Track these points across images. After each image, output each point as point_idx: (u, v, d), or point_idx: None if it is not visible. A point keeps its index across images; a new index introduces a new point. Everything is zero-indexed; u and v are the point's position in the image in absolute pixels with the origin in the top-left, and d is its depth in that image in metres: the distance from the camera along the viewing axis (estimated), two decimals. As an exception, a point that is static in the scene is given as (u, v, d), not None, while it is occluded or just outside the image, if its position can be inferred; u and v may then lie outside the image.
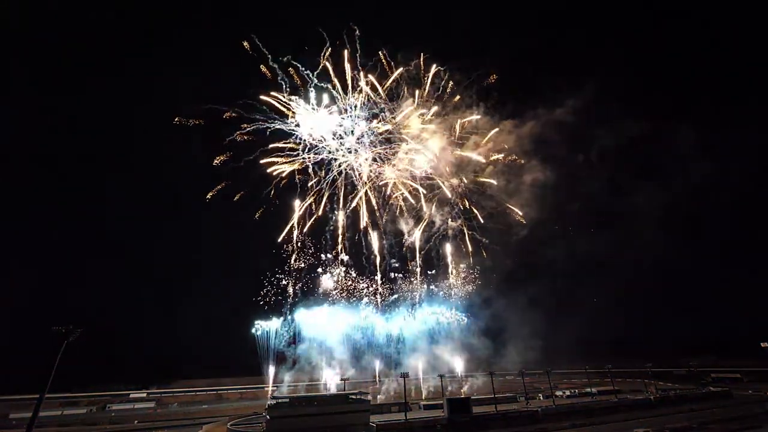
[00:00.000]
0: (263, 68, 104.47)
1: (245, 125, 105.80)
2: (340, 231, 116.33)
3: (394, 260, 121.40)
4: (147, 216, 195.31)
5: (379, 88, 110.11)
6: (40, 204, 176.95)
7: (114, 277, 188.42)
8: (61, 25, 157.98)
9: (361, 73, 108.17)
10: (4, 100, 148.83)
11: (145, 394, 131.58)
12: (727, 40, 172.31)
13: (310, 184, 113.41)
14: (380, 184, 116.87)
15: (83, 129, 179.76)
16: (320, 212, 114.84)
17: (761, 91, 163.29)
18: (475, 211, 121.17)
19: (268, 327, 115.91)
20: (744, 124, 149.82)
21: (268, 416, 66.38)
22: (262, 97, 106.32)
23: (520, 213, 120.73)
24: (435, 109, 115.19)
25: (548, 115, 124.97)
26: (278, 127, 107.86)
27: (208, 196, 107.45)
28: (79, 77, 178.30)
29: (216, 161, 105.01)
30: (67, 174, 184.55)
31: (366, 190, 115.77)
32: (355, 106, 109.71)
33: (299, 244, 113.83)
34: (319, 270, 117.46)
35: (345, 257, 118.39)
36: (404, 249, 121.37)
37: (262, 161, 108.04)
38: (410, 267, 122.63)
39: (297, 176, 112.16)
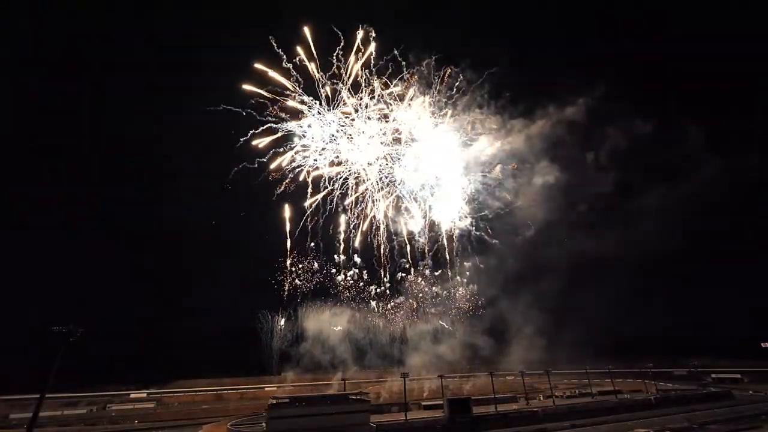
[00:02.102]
0: (275, 71, 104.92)
1: (257, 126, 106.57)
2: (349, 232, 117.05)
3: (404, 259, 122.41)
4: (147, 216, 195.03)
5: (392, 88, 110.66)
6: (39, 202, 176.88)
7: (114, 277, 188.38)
8: (68, 22, 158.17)
9: (373, 74, 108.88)
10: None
11: (145, 394, 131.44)
12: (736, 35, 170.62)
13: (322, 184, 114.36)
14: (390, 184, 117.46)
15: (83, 128, 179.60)
16: (331, 213, 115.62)
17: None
18: (483, 210, 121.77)
19: (271, 326, 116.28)
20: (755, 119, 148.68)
21: (268, 416, 66.39)
22: (275, 98, 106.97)
23: (530, 223, 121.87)
24: (446, 108, 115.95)
25: (558, 113, 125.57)
26: (290, 128, 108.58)
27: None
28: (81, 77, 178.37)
29: (226, 185, 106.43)
30: (66, 173, 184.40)
31: (376, 191, 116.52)
32: (367, 106, 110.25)
33: (312, 244, 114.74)
34: (333, 270, 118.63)
35: (356, 259, 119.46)
36: (414, 249, 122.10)
37: (271, 166, 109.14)
38: (420, 267, 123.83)
39: (308, 177, 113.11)
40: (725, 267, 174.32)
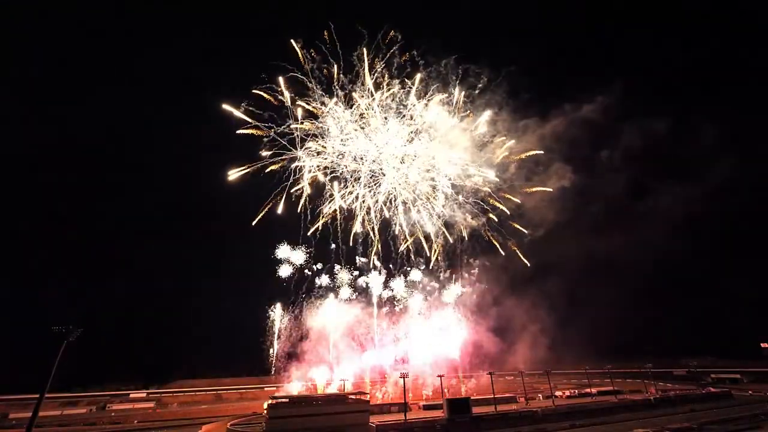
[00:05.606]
0: (294, 72, 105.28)
1: (275, 127, 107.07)
2: (366, 234, 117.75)
3: (420, 258, 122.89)
4: (148, 216, 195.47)
5: (410, 86, 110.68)
6: (39, 202, 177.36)
7: (114, 277, 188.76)
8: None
9: (394, 75, 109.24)
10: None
11: (144, 394, 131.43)
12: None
13: (339, 185, 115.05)
14: (405, 184, 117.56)
15: (84, 127, 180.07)
16: (345, 211, 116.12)
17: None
18: (498, 207, 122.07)
19: (272, 326, 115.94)
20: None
21: (267, 416, 66.43)
22: (294, 98, 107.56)
23: (535, 230, 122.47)
24: (463, 109, 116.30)
25: (574, 112, 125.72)
26: (307, 129, 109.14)
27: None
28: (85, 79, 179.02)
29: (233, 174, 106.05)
30: (69, 173, 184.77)
31: (391, 190, 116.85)
32: (387, 107, 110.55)
33: (333, 246, 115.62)
34: (356, 273, 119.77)
35: (376, 262, 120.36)
36: (429, 249, 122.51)
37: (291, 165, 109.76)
38: (432, 267, 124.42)
39: (325, 178, 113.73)
40: (726, 268, 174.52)
